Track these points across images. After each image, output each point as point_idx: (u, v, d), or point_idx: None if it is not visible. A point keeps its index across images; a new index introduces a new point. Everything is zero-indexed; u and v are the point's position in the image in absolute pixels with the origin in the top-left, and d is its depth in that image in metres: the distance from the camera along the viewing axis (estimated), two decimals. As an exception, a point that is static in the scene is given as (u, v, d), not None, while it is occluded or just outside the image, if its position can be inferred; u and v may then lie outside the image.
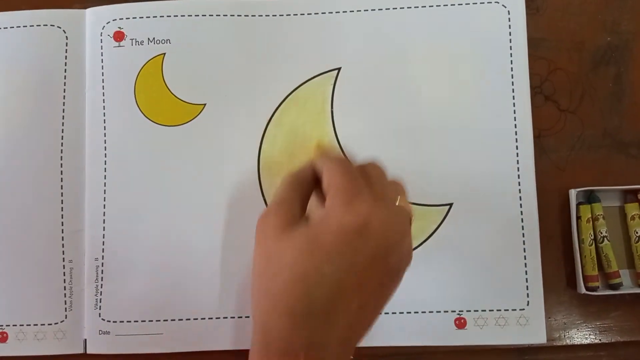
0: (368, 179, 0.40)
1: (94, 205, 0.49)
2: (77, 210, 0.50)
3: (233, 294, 0.48)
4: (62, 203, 0.50)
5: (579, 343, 0.49)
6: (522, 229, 0.48)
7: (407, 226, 0.39)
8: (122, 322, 0.48)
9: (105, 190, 0.49)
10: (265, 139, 0.50)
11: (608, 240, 0.49)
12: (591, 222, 0.49)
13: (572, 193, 0.49)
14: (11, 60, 0.51)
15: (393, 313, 0.48)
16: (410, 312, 0.48)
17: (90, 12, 0.51)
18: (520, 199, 0.49)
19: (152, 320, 0.48)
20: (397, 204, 0.40)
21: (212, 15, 0.51)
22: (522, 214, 0.49)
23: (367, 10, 0.51)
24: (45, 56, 0.51)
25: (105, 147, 0.50)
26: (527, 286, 0.48)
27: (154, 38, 0.51)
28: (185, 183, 0.50)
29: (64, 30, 0.51)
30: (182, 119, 0.50)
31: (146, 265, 0.49)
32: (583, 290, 0.48)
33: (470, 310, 0.48)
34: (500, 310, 0.48)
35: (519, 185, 0.49)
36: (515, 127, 0.49)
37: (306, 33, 0.51)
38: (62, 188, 0.50)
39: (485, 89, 0.50)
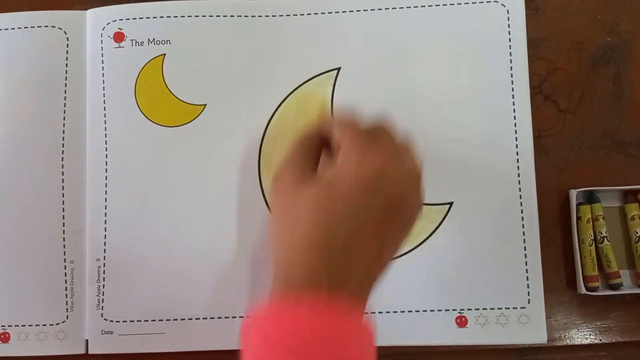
0: (378, 135, 0.41)
1: (95, 205, 0.50)
2: (78, 210, 0.50)
3: (234, 294, 0.48)
4: (63, 204, 0.50)
5: (579, 343, 0.49)
6: (522, 227, 0.49)
7: (419, 179, 0.41)
8: (125, 321, 0.48)
9: (106, 191, 0.50)
10: (266, 139, 0.50)
11: (608, 241, 0.49)
12: (591, 223, 0.49)
13: (572, 193, 0.49)
14: (12, 61, 0.51)
15: (394, 312, 0.48)
16: (411, 311, 0.48)
17: (90, 13, 0.52)
18: (520, 199, 0.49)
19: (154, 320, 0.48)
20: (407, 160, 0.41)
21: (212, 16, 0.51)
22: (522, 213, 0.49)
23: (366, 10, 0.51)
24: (46, 57, 0.51)
25: (106, 148, 0.50)
26: (527, 284, 0.48)
27: (154, 39, 0.51)
28: (186, 183, 0.50)
29: (64, 32, 0.51)
30: (183, 119, 0.50)
31: (148, 265, 0.49)
32: (583, 291, 0.48)
33: (471, 309, 0.48)
34: (501, 308, 0.48)
35: (519, 185, 0.49)
36: (515, 127, 0.49)
37: (306, 33, 0.51)
38: (63, 189, 0.50)
39: (484, 89, 0.50)
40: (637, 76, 0.51)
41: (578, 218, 0.49)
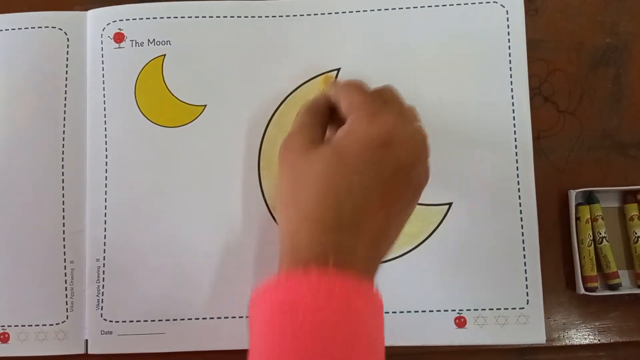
0: (386, 99, 0.41)
1: (94, 205, 0.50)
2: (78, 211, 0.50)
3: (234, 294, 0.49)
4: (63, 204, 0.50)
5: (578, 343, 0.49)
6: (522, 228, 0.49)
7: (426, 144, 0.41)
8: (125, 322, 0.49)
9: (106, 191, 0.50)
10: (266, 140, 0.50)
11: (607, 241, 0.49)
12: (590, 223, 0.49)
13: (571, 194, 0.49)
14: (12, 62, 0.51)
15: (393, 312, 0.48)
16: (410, 312, 0.48)
17: (91, 13, 0.52)
18: (520, 199, 0.49)
19: (154, 320, 0.49)
20: (415, 123, 0.42)
21: (212, 17, 0.51)
22: (521, 213, 0.49)
23: (366, 11, 0.51)
24: (47, 58, 0.51)
25: (106, 148, 0.50)
26: (526, 285, 0.48)
27: (154, 39, 0.51)
28: (186, 184, 0.50)
29: (65, 32, 0.51)
30: (183, 120, 0.50)
31: (147, 265, 0.49)
32: (582, 291, 0.48)
33: (470, 309, 0.48)
34: (500, 309, 0.48)
35: (518, 185, 0.49)
36: (515, 127, 0.49)
37: (306, 34, 0.51)
38: (63, 189, 0.50)
39: (484, 89, 0.50)
40: (637, 77, 0.51)
41: (577, 218, 0.49)
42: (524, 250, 0.48)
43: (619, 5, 0.52)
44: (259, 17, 0.51)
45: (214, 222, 0.49)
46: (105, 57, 0.51)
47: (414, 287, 0.48)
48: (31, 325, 0.49)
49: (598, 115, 0.51)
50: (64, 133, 0.50)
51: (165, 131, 0.50)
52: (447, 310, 0.48)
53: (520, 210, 0.49)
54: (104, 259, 0.49)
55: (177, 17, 0.51)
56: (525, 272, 0.48)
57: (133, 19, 0.51)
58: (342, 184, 0.38)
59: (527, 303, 0.48)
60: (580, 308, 0.49)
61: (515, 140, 0.49)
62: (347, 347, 0.35)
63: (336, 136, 0.40)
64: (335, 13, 0.51)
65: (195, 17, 0.51)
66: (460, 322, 0.48)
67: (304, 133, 0.42)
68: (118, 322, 0.49)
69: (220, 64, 0.51)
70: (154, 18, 0.51)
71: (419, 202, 0.48)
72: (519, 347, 0.49)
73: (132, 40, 0.51)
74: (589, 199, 0.50)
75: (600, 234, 0.49)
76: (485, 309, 0.48)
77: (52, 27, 0.51)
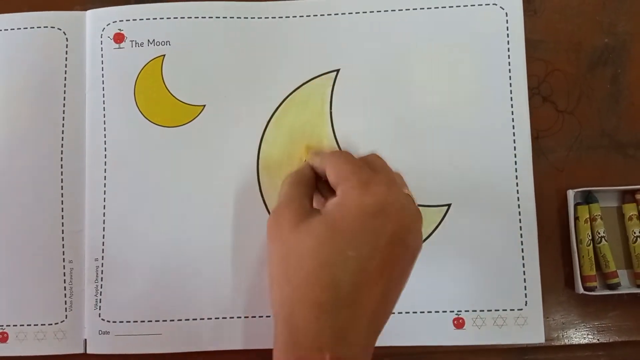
0: (374, 167, 0.41)
1: (94, 205, 0.50)
2: (77, 210, 0.50)
3: (232, 294, 0.49)
4: (62, 204, 0.50)
5: (577, 343, 0.49)
6: (520, 229, 0.49)
7: (418, 210, 0.40)
8: (122, 322, 0.48)
9: (105, 191, 0.50)
10: (265, 140, 0.50)
11: (606, 241, 0.49)
12: (589, 223, 0.49)
13: (570, 193, 0.49)
14: (12, 62, 0.51)
15: (391, 313, 0.48)
16: (408, 312, 0.48)
17: (90, 14, 0.52)
18: (519, 200, 0.49)
19: (151, 321, 0.48)
20: (406, 190, 0.41)
21: (211, 18, 0.51)
22: (520, 214, 0.49)
23: (365, 12, 0.51)
24: (46, 58, 0.51)
25: (105, 148, 0.50)
26: (525, 286, 0.48)
27: (153, 40, 0.51)
28: (185, 184, 0.50)
29: (64, 32, 0.51)
30: (182, 120, 0.50)
31: (146, 265, 0.49)
32: (581, 290, 0.48)
33: (468, 310, 0.48)
34: (498, 310, 0.48)
35: (517, 185, 0.49)
36: (513, 128, 0.49)
37: (305, 35, 0.51)
38: (62, 189, 0.50)
39: (483, 90, 0.50)
40: (635, 77, 0.51)
41: (576, 218, 0.49)
42: (522, 251, 0.48)
43: (617, 6, 0.52)
44: (258, 18, 0.51)
45: (213, 222, 0.49)
46: (104, 58, 0.51)
47: (412, 288, 0.48)
48: (30, 325, 0.49)
49: (597, 115, 0.51)
50: (63, 133, 0.50)
51: (165, 131, 0.50)
52: (445, 311, 0.48)
53: (519, 211, 0.49)
54: (102, 259, 0.49)
55: (177, 18, 0.51)
56: (524, 274, 0.48)
57: (133, 20, 0.51)
58: (337, 260, 0.36)
59: (526, 304, 0.48)
60: (579, 307, 0.49)
61: (514, 141, 0.49)
62: None
63: (327, 208, 0.39)
64: (335, 14, 0.51)
65: (195, 17, 0.51)
66: (459, 323, 0.48)
67: (292, 206, 0.40)
68: (116, 322, 0.49)
69: (220, 64, 0.51)
70: (153, 18, 0.51)
71: (418, 203, 0.48)
72: (519, 347, 0.49)
73: (132, 41, 0.51)
74: (588, 198, 0.50)
75: (599, 233, 0.49)
76: (483, 310, 0.48)
77: (52, 27, 0.51)
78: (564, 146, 0.51)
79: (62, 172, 0.50)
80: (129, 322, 0.48)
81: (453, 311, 0.48)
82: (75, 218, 0.50)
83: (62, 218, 0.50)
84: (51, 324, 0.49)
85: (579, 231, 0.49)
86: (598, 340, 0.49)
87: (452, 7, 0.51)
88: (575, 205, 0.49)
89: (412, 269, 0.40)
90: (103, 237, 0.49)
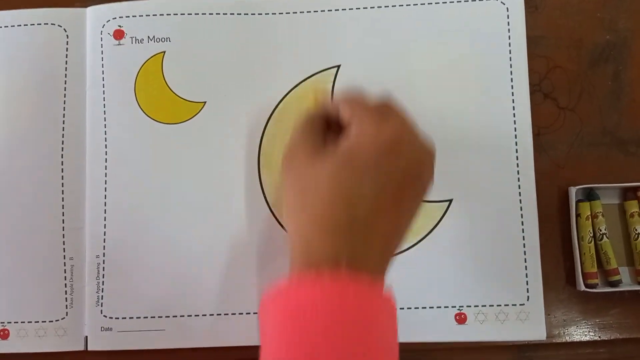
0: (389, 107, 0.41)
1: (94, 202, 0.50)
2: (78, 207, 0.50)
3: (234, 291, 0.49)
4: (62, 200, 0.50)
5: (578, 340, 0.49)
6: (522, 225, 0.49)
7: (432, 147, 0.41)
8: (124, 318, 0.48)
9: (105, 188, 0.50)
10: (265, 137, 0.50)
11: (607, 238, 0.49)
12: (590, 220, 0.49)
13: (572, 190, 0.49)
14: (12, 58, 0.51)
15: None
16: (410, 308, 0.48)
17: (90, 10, 0.52)
18: (520, 196, 0.49)
19: (153, 317, 0.48)
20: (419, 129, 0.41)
21: (211, 14, 0.51)
22: (521, 210, 0.49)
23: (366, 7, 0.51)
24: (46, 55, 0.51)
25: (105, 145, 0.50)
26: (527, 281, 0.48)
27: (153, 36, 0.51)
28: (186, 180, 0.50)
29: (64, 29, 0.51)
30: (182, 116, 0.50)
31: (147, 262, 0.49)
32: (582, 288, 0.48)
33: (470, 306, 0.48)
34: (500, 305, 0.48)
35: (519, 182, 0.49)
36: (515, 124, 0.49)
37: (306, 31, 0.51)
38: (62, 185, 0.50)
39: (484, 86, 0.50)
40: (636, 74, 0.51)
41: (577, 215, 0.49)
42: (524, 246, 0.48)
43: (618, 3, 0.52)
44: (258, 14, 0.51)
45: (214, 219, 0.49)
46: (105, 54, 0.51)
47: (415, 284, 0.48)
48: (31, 322, 0.49)
49: (598, 111, 0.51)
50: (63, 130, 0.50)
51: (165, 128, 0.50)
52: (447, 307, 0.48)
53: (521, 207, 0.49)
54: (103, 256, 0.49)
55: (176, 14, 0.51)
56: (526, 269, 0.48)
57: (133, 16, 0.51)
58: (353, 185, 0.37)
59: (528, 300, 0.48)
60: (581, 305, 0.49)
61: (516, 137, 0.49)
62: (362, 351, 0.34)
63: (345, 139, 0.39)
64: (335, 10, 0.51)
65: (195, 14, 0.51)
66: (461, 319, 0.48)
67: (307, 141, 0.41)
68: (118, 318, 0.48)
69: (220, 60, 0.51)
70: (153, 15, 0.51)
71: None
72: (519, 344, 0.49)
73: (132, 37, 0.51)
74: (589, 195, 0.50)
75: (600, 230, 0.49)
76: (485, 306, 0.48)
77: (52, 24, 0.51)
78: (565, 143, 0.51)
79: (62, 169, 0.50)
80: (132, 318, 0.48)
81: (455, 306, 0.48)
82: (76, 215, 0.50)
83: (63, 215, 0.49)
84: (52, 321, 0.49)
85: (580, 228, 0.49)
86: (599, 337, 0.49)
87: (453, 2, 0.51)
88: (577, 202, 0.49)
89: (422, 202, 0.41)
90: (104, 234, 0.49)
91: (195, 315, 0.48)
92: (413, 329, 0.48)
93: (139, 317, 0.48)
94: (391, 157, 0.38)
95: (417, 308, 0.48)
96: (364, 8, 0.51)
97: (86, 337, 0.49)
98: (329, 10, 0.51)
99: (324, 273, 0.35)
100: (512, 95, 0.50)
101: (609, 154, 0.50)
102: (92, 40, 0.51)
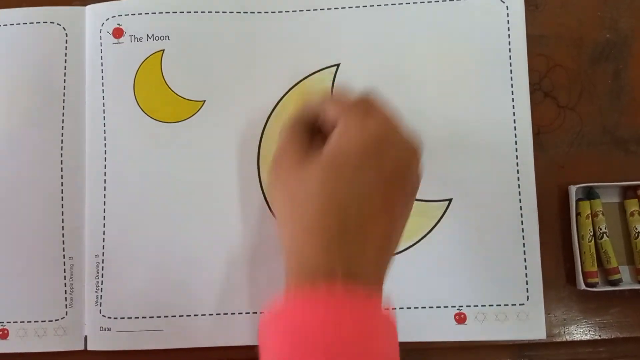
0: (372, 104, 0.41)
1: (94, 201, 0.50)
2: (78, 206, 0.50)
3: (233, 291, 0.49)
4: (62, 200, 0.50)
5: (578, 339, 0.49)
6: (522, 224, 0.49)
7: (418, 142, 0.41)
8: (123, 318, 0.48)
9: (105, 187, 0.50)
10: (265, 135, 0.50)
11: (607, 237, 0.49)
12: (590, 218, 0.49)
13: (572, 189, 0.49)
14: (11, 57, 0.51)
15: (392, 309, 0.48)
16: (410, 308, 0.48)
17: (89, 9, 0.51)
18: (520, 195, 0.49)
19: (152, 317, 0.48)
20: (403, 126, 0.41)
21: (211, 12, 0.51)
22: (521, 209, 0.49)
23: (365, 6, 0.51)
24: (45, 53, 0.51)
25: (105, 144, 0.50)
26: (526, 281, 0.48)
27: (153, 34, 0.51)
28: (185, 179, 0.50)
29: (63, 28, 0.51)
30: (182, 115, 0.50)
31: (146, 261, 0.49)
32: (582, 287, 0.48)
33: (470, 306, 0.48)
34: (500, 305, 0.48)
35: (519, 181, 0.49)
36: (515, 123, 0.49)
37: (305, 29, 0.51)
38: (62, 185, 0.50)
39: (484, 85, 0.50)
40: (637, 73, 0.51)
41: (577, 214, 0.49)
42: (524, 246, 0.48)
43: (618, 1, 0.52)
44: (258, 12, 0.51)
45: (213, 218, 0.49)
46: (104, 53, 0.51)
47: (414, 283, 0.48)
48: (30, 322, 0.49)
49: (598, 110, 0.51)
50: (62, 129, 0.50)
51: (164, 126, 0.50)
52: (447, 307, 0.48)
53: (521, 207, 0.49)
54: (103, 255, 0.49)
55: (176, 13, 0.51)
56: (526, 268, 0.48)
57: (132, 14, 0.51)
58: (343, 189, 0.37)
59: (527, 299, 0.48)
60: (581, 304, 0.49)
61: (515, 136, 0.49)
62: None
63: (329, 142, 0.39)
64: (335, 9, 0.51)
65: (195, 12, 0.51)
66: (460, 318, 0.48)
67: (293, 146, 0.41)
68: (116, 318, 0.48)
69: (220, 59, 0.51)
70: (152, 13, 0.51)
71: (419, 198, 0.48)
72: (520, 343, 0.49)
73: (131, 36, 0.51)
74: (590, 194, 0.50)
75: (600, 229, 0.49)
76: (485, 305, 0.48)
77: (51, 22, 0.51)
78: (566, 142, 0.51)
79: (62, 168, 0.50)
80: (130, 318, 0.48)
81: (455, 306, 0.48)
82: (75, 214, 0.50)
83: (62, 214, 0.49)
84: (51, 321, 0.49)
85: (580, 227, 0.49)
86: (599, 336, 0.49)
87: (453, 1, 0.51)
88: (577, 201, 0.49)
89: (413, 201, 0.41)
90: (103, 233, 0.49)
91: (195, 315, 0.48)
92: (412, 329, 0.48)
93: (137, 317, 0.48)
94: (378, 154, 0.38)
95: (417, 308, 0.48)
96: (363, 7, 0.51)
97: (86, 336, 0.49)
98: (328, 9, 0.51)
99: (319, 288, 0.35)
100: (512, 93, 0.50)
101: (609, 152, 0.50)
102: (91, 38, 0.51)
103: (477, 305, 0.48)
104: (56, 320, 0.49)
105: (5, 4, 0.51)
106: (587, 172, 0.50)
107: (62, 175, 0.50)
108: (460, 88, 0.50)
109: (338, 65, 0.51)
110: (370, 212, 0.37)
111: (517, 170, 0.49)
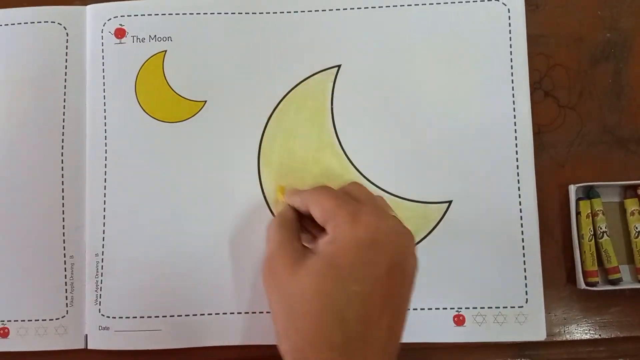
0: (357, 197, 0.41)
1: (94, 201, 0.50)
2: (78, 206, 0.50)
3: (233, 290, 0.48)
4: (62, 199, 0.50)
5: (578, 338, 0.49)
6: (522, 225, 0.48)
7: (410, 233, 0.40)
8: (122, 317, 0.48)
9: (105, 187, 0.50)
10: (266, 136, 0.50)
11: (608, 236, 0.49)
12: (591, 218, 0.49)
13: (572, 189, 0.49)
14: (12, 57, 0.51)
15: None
16: (408, 309, 0.48)
17: (91, 9, 0.52)
18: (520, 196, 0.49)
19: (151, 317, 0.48)
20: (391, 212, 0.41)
21: (213, 13, 0.51)
22: (521, 210, 0.49)
23: (367, 7, 0.51)
24: (46, 53, 0.51)
25: (105, 144, 0.50)
26: (525, 283, 0.48)
27: (155, 35, 0.51)
28: (185, 180, 0.50)
29: (64, 27, 0.51)
30: (183, 115, 0.50)
31: (146, 261, 0.49)
32: (583, 286, 0.48)
33: (469, 307, 0.48)
34: (499, 307, 0.48)
35: (519, 181, 0.49)
36: (515, 123, 0.49)
37: (306, 30, 0.51)
38: (62, 184, 0.50)
39: (484, 85, 0.50)
40: (637, 72, 0.51)
41: (578, 213, 0.49)
42: (523, 248, 0.48)
43: (619, 1, 0.52)
44: (259, 13, 0.51)
45: (213, 218, 0.49)
46: (105, 53, 0.51)
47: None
48: (31, 320, 0.49)
49: (598, 110, 0.51)
50: (63, 128, 0.50)
51: (165, 127, 0.50)
52: (445, 308, 0.48)
53: (521, 208, 0.49)
54: (102, 254, 0.49)
55: (178, 14, 0.51)
56: (525, 271, 0.48)
57: (134, 15, 0.51)
58: (340, 297, 0.36)
59: (526, 302, 0.48)
60: (581, 303, 0.49)
61: (516, 136, 0.49)
62: None
63: (321, 247, 0.38)
64: (337, 10, 0.51)
65: (197, 13, 0.51)
66: (459, 320, 0.48)
67: (284, 251, 0.40)
68: (115, 317, 0.48)
69: (221, 60, 0.51)
70: (155, 14, 0.51)
71: (419, 199, 0.48)
72: (520, 342, 0.49)
73: (133, 36, 0.51)
74: (590, 193, 0.49)
75: (600, 228, 0.49)
76: (484, 307, 0.48)
77: (52, 22, 0.51)
78: (566, 141, 0.51)
79: (62, 168, 0.50)
80: (129, 317, 0.48)
81: (454, 308, 0.48)
82: (75, 213, 0.50)
83: (63, 213, 0.49)
84: (52, 320, 0.49)
85: (580, 226, 0.49)
86: (600, 335, 0.49)
87: (454, 2, 0.51)
88: (577, 200, 0.49)
89: (412, 293, 0.40)
90: (103, 233, 0.49)
91: (194, 315, 0.48)
92: (411, 330, 0.47)
93: (136, 317, 0.48)
94: (372, 255, 0.37)
95: (416, 309, 0.48)
96: (364, 8, 0.51)
97: (86, 335, 0.49)
98: (330, 10, 0.51)
99: None
100: (513, 93, 0.50)
101: (609, 152, 0.50)
102: (92, 38, 0.51)
103: (476, 307, 0.48)
104: (57, 319, 0.49)
105: (5, 4, 0.52)
106: (587, 172, 0.50)
107: (62, 175, 0.50)
108: (461, 88, 0.50)
109: (339, 66, 0.51)
110: (371, 315, 0.36)
111: (517, 171, 0.49)
